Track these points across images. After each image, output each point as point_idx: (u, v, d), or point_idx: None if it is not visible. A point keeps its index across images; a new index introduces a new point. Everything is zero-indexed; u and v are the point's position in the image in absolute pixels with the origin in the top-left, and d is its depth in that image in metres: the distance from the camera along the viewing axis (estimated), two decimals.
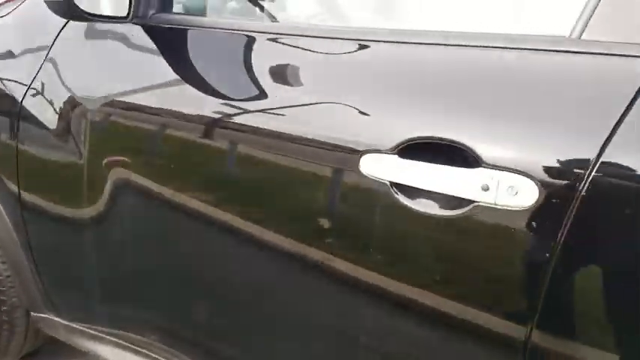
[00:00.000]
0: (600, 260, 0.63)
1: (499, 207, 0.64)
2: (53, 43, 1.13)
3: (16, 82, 1.17)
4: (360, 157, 0.73)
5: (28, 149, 1.17)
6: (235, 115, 0.88)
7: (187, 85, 0.96)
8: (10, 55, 1.22)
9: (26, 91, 1.15)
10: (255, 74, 0.90)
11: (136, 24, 1.01)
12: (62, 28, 1.12)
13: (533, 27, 0.75)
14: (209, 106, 0.90)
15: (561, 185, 0.61)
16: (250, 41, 0.95)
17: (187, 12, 1.12)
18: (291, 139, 0.80)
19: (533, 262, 0.65)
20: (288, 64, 0.90)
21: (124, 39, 1.05)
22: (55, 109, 1.11)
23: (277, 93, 0.86)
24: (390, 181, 0.71)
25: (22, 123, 1.16)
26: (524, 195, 0.63)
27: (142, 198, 1.02)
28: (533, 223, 0.63)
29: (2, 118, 1.22)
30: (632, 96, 0.59)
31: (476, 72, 0.72)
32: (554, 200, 0.62)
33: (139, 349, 1.15)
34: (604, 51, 0.63)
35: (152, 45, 1.02)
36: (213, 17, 1.11)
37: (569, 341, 0.67)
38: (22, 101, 1.15)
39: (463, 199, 0.67)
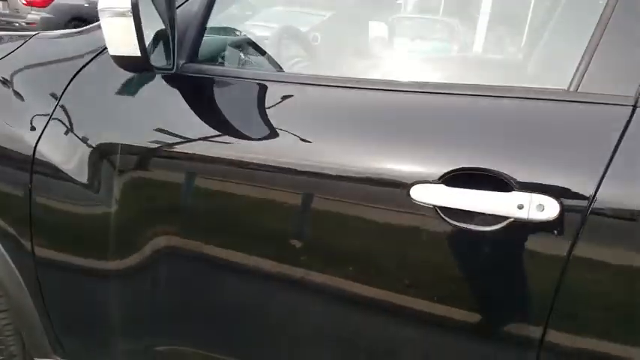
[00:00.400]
0: (606, 262, 0.84)
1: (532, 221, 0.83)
2: (67, 86, 1.15)
3: (27, 126, 1.17)
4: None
5: (44, 200, 1.16)
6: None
7: (215, 131, 1.05)
8: (17, 96, 1.21)
9: (39, 137, 1.15)
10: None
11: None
12: (78, 72, 1.16)
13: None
14: (236, 153, 1.00)
15: (575, 203, 0.81)
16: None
17: (212, 62, 1.23)
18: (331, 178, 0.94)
19: (555, 263, 0.84)
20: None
21: (152, 87, 1.12)
22: (76, 157, 1.13)
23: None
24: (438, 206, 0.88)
25: (35, 173, 1.14)
26: (548, 211, 0.82)
27: (174, 250, 1.08)
28: (555, 232, 0.83)
29: (11, 168, 1.19)
30: (618, 138, 0.81)
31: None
32: (571, 213, 0.82)
33: None
34: (596, 101, 0.85)
35: (180, 93, 1.11)
36: (234, 67, 1.23)
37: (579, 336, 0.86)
38: (35, 148, 1.15)
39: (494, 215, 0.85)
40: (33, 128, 1.16)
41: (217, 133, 1.05)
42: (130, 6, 0.85)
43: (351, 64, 1.56)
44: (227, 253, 1.06)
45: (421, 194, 0.88)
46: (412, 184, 0.89)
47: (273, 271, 1.01)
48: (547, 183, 0.84)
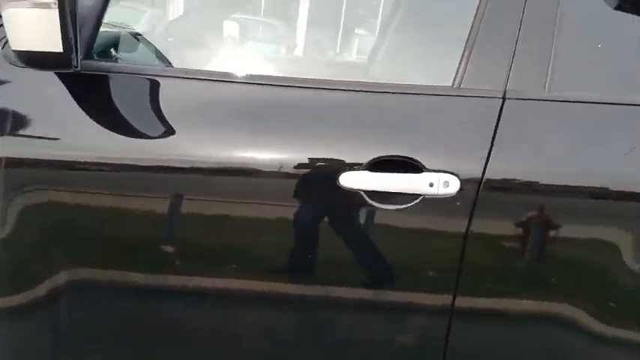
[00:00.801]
0: (498, 224, 1.05)
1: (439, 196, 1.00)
2: None
3: None
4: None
5: None
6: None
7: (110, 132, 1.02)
8: None
9: None
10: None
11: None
12: None
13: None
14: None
15: (472, 178, 1.01)
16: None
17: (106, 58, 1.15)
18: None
19: (460, 229, 1.03)
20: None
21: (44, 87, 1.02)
22: None
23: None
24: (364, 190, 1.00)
25: None
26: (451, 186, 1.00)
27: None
28: (458, 203, 1.01)
29: None
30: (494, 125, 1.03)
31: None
32: (468, 187, 1.01)
33: None
34: (475, 95, 1.05)
35: (78, 93, 1.03)
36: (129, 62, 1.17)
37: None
38: None
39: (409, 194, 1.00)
40: None
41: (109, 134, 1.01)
42: None
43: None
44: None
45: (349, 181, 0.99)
46: (341, 174, 0.99)
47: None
48: (449, 164, 1.01)
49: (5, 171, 0.99)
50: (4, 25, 0.83)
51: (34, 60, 0.88)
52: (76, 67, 0.94)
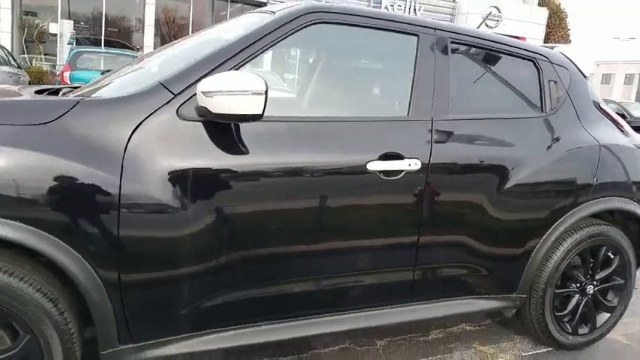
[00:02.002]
0: (441, 186, 2.13)
1: (412, 170, 2.04)
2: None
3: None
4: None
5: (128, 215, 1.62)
6: None
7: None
8: None
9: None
10: None
11: None
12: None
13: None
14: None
15: (425, 162, 2.07)
16: None
17: None
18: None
19: (421, 189, 2.07)
20: None
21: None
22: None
23: None
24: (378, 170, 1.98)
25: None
26: (416, 165, 2.05)
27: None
28: (421, 174, 2.06)
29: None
30: (430, 138, 2.12)
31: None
32: (424, 166, 2.06)
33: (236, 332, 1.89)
34: (420, 120, 2.13)
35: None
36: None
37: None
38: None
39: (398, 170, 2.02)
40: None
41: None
42: (264, 89, 1.64)
43: None
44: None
45: (371, 167, 1.97)
46: (367, 163, 1.97)
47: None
48: (416, 154, 2.06)
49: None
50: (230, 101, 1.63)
51: (234, 118, 1.66)
52: (262, 117, 1.72)
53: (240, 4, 19.67)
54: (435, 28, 2.25)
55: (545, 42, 23.74)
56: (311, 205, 1.93)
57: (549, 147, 2.39)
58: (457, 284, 2.30)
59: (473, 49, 2.43)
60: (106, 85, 2.17)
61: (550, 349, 2.55)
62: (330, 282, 2.04)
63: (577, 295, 2.53)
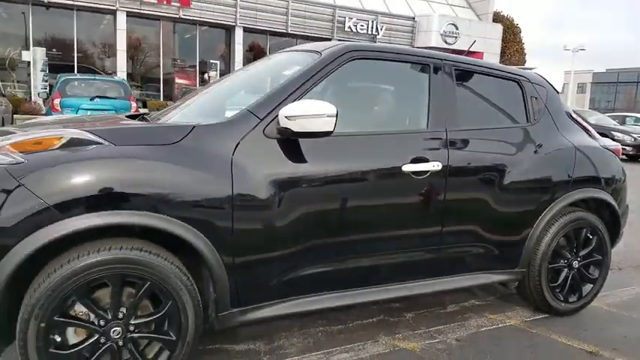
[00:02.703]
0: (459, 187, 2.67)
1: (435, 171, 2.58)
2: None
3: None
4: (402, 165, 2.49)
5: (239, 212, 2.10)
6: None
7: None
8: None
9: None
10: None
11: None
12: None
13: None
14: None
15: (445, 164, 2.61)
16: None
17: None
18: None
19: (443, 187, 2.61)
20: None
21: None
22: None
23: None
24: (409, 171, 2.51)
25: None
26: (438, 166, 2.59)
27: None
28: (442, 174, 2.60)
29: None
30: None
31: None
32: (444, 168, 2.61)
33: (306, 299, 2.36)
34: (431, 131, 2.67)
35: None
36: None
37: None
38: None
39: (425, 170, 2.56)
40: None
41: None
42: (335, 112, 2.13)
43: None
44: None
45: (405, 168, 2.50)
46: (402, 165, 2.49)
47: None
48: (437, 158, 2.59)
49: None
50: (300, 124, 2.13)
51: (310, 135, 2.16)
52: (332, 134, 2.24)
53: (205, 27, 20.19)
54: (442, 59, 2.82)
55: (501, 56, 25.15)
56: (363, 200, 2.44)
57: (536, 151, 2.98)
58: (476, 261, 2.85)
59: (471, 74, 3.00)
60: (188, 109, 2.71)
61: (546, 315, 3.11)
62: (378, 260, 2.55)
63: (566, 269, 3.11)
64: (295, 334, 2.69)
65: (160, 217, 1.93)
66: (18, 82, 17.10)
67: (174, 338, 2.03)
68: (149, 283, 1.94)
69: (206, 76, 19.41)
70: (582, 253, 3.16)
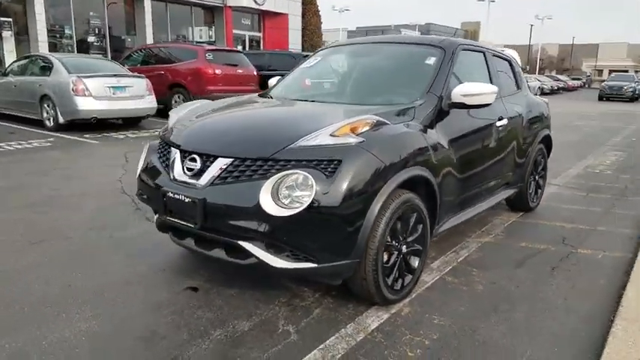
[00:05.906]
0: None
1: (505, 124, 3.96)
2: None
3: None
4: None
5: (435, 158, 3.14)
6: None
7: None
8: None
9: None
10: None
11: None
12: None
13: None
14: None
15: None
16: None
17: None
18: None
19: (508, 134, 4.01)
20: None
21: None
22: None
23: None
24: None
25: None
26: (506, 121, 3.98)
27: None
28: (508, 125, 3.99)
29: None
30: None
31: None
32: (509, 120, 4.00)
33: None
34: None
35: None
36: None
37: None
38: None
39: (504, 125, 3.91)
40: None
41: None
42: (496, 90, 3.29)
43: None
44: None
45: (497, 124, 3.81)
46: (495, 121, 3.79)
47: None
48: (504, 115, 3.96)
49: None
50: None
51: (477, 106, 3.32)
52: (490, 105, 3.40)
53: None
54: (488, 48, 4.21)
55: (302, 17, 27.17)
56: (482, 144, 3.70)
57: (529, 110, 4.61)
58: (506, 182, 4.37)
59: (496, 57, 4.42)
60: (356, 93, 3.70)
61: (520, 213, 4.86)
62: (488, 183, 3.89)
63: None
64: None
65: (420, 168, 2.87)
66: None
67: (422, 248, 3.03)
68: (416, 213, 2.89)
69: None
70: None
